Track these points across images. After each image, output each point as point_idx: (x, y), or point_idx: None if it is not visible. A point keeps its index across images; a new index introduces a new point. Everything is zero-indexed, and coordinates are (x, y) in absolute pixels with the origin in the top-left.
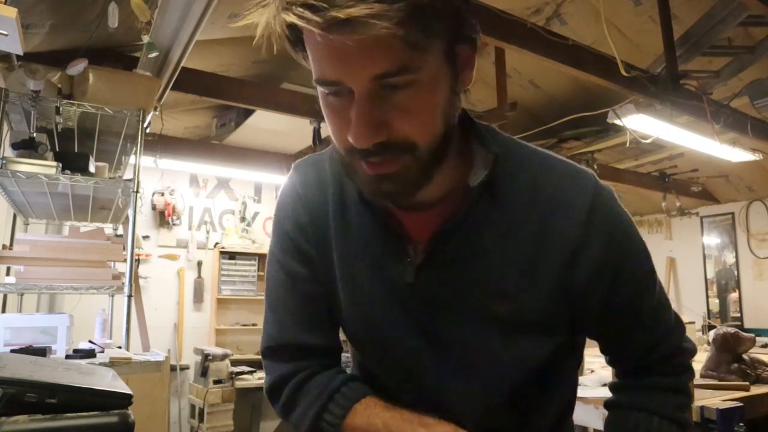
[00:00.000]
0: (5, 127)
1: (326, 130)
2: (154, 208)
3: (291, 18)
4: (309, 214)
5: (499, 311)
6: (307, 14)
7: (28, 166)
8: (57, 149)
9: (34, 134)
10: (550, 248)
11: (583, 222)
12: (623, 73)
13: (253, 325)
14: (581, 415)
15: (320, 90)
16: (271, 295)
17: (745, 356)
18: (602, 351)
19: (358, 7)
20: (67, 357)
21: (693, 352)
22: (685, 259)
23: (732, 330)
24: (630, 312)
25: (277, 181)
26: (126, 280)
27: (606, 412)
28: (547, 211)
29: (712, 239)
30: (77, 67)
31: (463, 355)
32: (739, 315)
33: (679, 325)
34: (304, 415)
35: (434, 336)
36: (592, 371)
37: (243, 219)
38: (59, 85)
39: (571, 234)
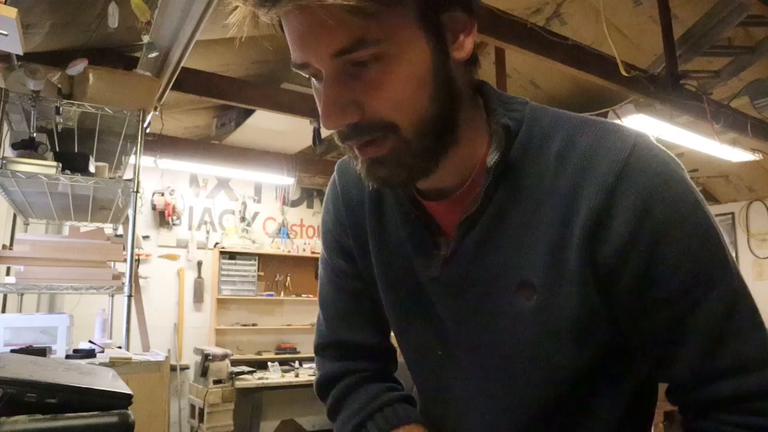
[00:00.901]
0: (5, 127)
1: (326, 130)
2: (154, 208)
3: (237, 2)
4: (348, 211)
5: (525, 307)
6: None
7: (28, 166)
8: (57, 149)
9: (34, 134)
10: (575, 227)
11: (609, 186)
12: (623, 73)
13: (253, 325)
14: None
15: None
16: (321, 293)
17: None
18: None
19: None
20: (67, 357)
21: None
22: None
23: None
24: (672, 317)
25: (277, 181)
26: (126, 280)
27: None
28: (573, 182)
29: None
30: (77, 67)
31: (487, 363)
32: None
33: None
34: (344, 425)
35: (457, 340)
36: None
37: (243, 219)
38: (59, 85)
39: (595, 202)
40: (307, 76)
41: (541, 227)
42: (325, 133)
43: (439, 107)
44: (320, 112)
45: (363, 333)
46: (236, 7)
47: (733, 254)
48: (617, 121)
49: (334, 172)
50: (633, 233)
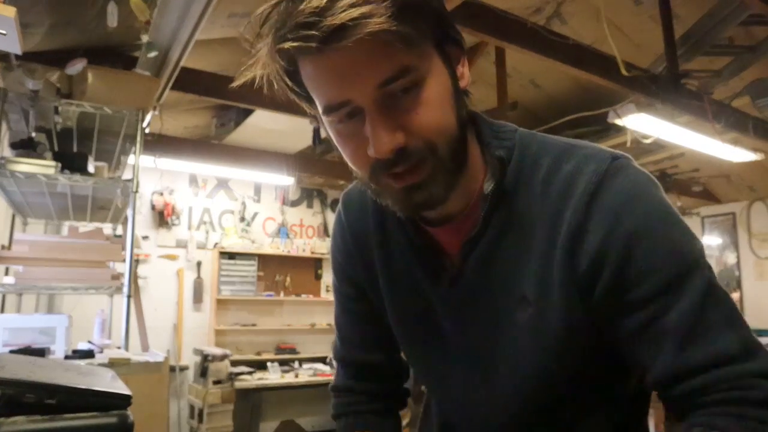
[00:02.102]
0: (4, 127)
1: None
2: (153, 208)
3: (288, 45)
4: (355, 242)
5: (522, 320)
6: (303, 33)
7: (27, 166)
8: (56, 149)
9: (33, 134)
10: (558, 245)
11: (584, 206)
12: (624, 72)
13: (253, 325)
14: None
15: (328, 121)
16: (335, 315)
17: None
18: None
19: (349, 11)
20: (66, 357)
21: None
22: None
23: None
24: (645, 321)
25: (276, 181)
26: (125, 281)
27: None
28: (557, 206)
29: (713, 239)
30: (76, 67)
31: (489, 375)
32: None
33: (752, 355)
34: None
35: (459, 355)
36: None
37: (242, 219)
38: (58, 85)
39: (572, 221)
40: (336, 119)
41: (533, 247)
42: (324, 132)
43: (460, 128)
44: (363, 151)
45: (371, 353)
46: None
47: (735, 254)
48: (617, 121)
49: (339, 205)
50: (605, 245)
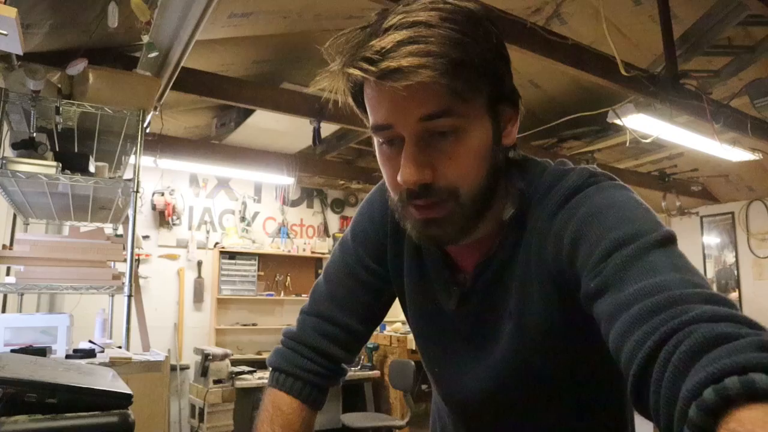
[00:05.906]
0: (5, 127)
1: (326, 130)
2: (154, 208)
3: (353, 71)
4: (393, 233)
5: (508, 329)
6: (364, 65)
7: (28, 166)
8: (57, 149)
9: (34, 134)
10: (532, 255)
11: (552, 214)
12: (623, 72)
13: (253, 324)
14: None
15: (376, 140)
16: (332, 270)
17: None
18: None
19: (407, 59)
20: (67, 357)
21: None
22: None
23: None
24: (600, 280)
25: (277, 180)
26: (126, 280)
27: None
28: (545, 227)
29: (712, 239)
30: (77, 67)
31: (483, 383)
32: None
33: (693, 286)
34: (270, 376)
35: (467, 368)
36: None
37: (243, 219)
38: (59, 85)
39: (542, 229)
40: (381, 139)
41: (532, 267)
42: (324, 132)
43: (490, 180)
44: (398, 171)
45: (353, 317)
46: (327, 71)
47: (734, 254)
48: (616, 121)
49: (376, 188)
50: (563, 231)
